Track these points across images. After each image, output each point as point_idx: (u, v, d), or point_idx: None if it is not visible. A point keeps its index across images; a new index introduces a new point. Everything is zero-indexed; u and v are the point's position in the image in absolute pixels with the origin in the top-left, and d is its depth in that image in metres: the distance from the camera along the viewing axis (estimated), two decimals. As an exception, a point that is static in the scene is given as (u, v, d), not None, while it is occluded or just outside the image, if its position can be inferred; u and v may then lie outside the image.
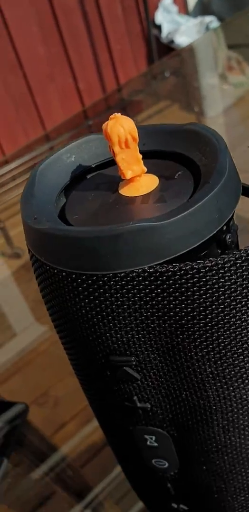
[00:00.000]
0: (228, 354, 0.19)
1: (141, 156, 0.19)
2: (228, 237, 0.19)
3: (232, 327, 0.18)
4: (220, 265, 0.16)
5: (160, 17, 1.59)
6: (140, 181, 0.19)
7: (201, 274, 0.17)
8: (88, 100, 1.57)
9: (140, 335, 0.18)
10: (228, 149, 0.19)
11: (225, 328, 0.18)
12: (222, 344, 0.18)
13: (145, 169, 0.19)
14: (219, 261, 0.16)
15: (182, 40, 1.52)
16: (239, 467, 0.23)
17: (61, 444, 0.40)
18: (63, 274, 0.17)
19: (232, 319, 0.18)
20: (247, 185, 0.21)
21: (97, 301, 0.17)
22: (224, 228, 0.18)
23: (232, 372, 0.19)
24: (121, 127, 0.18)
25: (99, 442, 0.38)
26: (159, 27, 1.60)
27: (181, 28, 1.56)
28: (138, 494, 0.29)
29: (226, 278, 0.17)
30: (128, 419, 0.22)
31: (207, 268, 0.16)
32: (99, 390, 0.21)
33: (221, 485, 0.24)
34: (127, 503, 0.34)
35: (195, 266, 0.16)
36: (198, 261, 0.17)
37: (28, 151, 0.92)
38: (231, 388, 0.20)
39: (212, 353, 0.18)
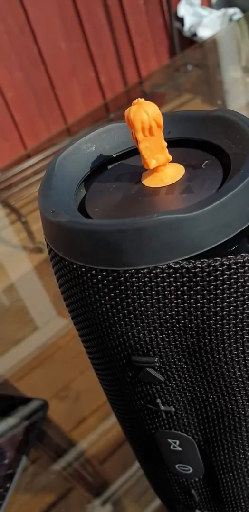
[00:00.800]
0: (260, 356, 0.17)
1: (165, 144, 0.18)
2: None
3: None
4: None
5: (182, 9, 1.57)
6: (164, 171, 0.18)
7: (232, 270, 0.15)
8: (110, 94, 1.56)
9: (164, 335, 0.17)
10: None
11: (257, 329, 0.17)
12: (253, 346, 0.17)
13: (170, 158, 0.18)
14: None
15: (205, 32, 1.50)
16: (269, 476, 0.22)
17: (82, 439, 0.39)
18: (83, 269, 0.16)
19: None
20: None
21: (118, 299, 0.16)
22: None
23: (263, 376, 0.18)
24: (145, 113, 0.17)
25: (120, 437, 0.38)
26: (181, 20, 1.57)
27: (203, 20, 1.53)
28: (160, 498, 0.28)
29: None
30: (150, 422, 0.21)
31: (239, 264, 0.15)
32: (121, 391, 0.20)
33: (249, 493, 0.23)
34: (146, 500, 0.33)
35: (225, 262, 0.15)
36: (228, 256, 0.15)
37: (50, 146, 0.92)
38: (262, 393, 0.18)
39: (242, 355, 0.17)
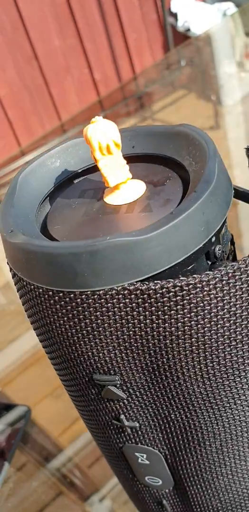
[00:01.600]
0: (218, 374, 0.17)
1: (125, 162, 0.18)
2: (217, 249, 0.17)
3: (221, 347, 0.17)
4: (204, 282, 0.15)
5: (176, 4, 1.56)
6: (125, 189, 0.18)
7: (184, 292, 0.15)
8: (104, 90, 1.55)
9: (123, 354, 0.17)
10: (218, 154, 0.18)
11: (213, 347, 0.17)
12: (210, 364, 0.17)
13: (130, 176, 0.18)
14: (203, 278, 0.15)
15: (199, 28, 1.49)
16: (235, 487, 0.22)
17: (76, 436, 0.40)
18: (40, 290, 0.16)
19: (220, 339, 0.16)
20: (240, 188, 0.20)
21: (76, 319, 0.16)
22: (213, 239, 0.17)
23: (223, 393, 0.18)
24: (102, 133, 0.17)
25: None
26: (175, 15, 1.57)
27: (197, 15, 1.52)
28: (137, 508, 0.29)
29: (212, 296, 0.15)
30: (117, 437, 0.21)
31: (191, 285, 0.15)
32: (87, 407, 0.20)
33: (217, 504, 0.23)
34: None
35: (177, 284, 0.15)
36: (181, 277, 0.15)
37: (44, 143, 0.92)
38: (223, 409, 0.19)
39: (200, 373, 0.17)
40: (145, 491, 0.24)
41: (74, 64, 1.50)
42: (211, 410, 0.18)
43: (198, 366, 0.17)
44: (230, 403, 0.18)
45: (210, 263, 0.18)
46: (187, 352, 0.16)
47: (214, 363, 0.17)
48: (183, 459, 0.21)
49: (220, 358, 0.17)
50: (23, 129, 1.48)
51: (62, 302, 0.16)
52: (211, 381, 0.17)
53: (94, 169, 0.21)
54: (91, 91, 1.56)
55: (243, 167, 0.21)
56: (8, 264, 0.18)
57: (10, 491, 0.37)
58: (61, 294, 0.16)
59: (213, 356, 0.17)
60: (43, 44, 1.43)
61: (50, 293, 0.16)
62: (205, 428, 0.19)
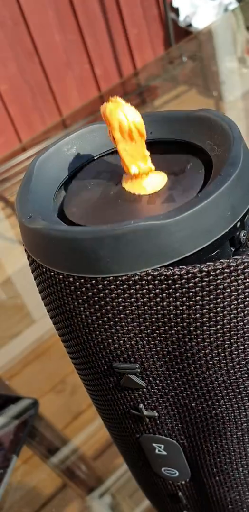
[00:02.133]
0: (242, 362, 0.17)
1: (148, 153, 0.17)
2: (242, 234, 0.17)
3: (247, 334, 0.16)
4: (232, 267, 0.15)
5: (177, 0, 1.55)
6: (146, 179, 0.18)
7: (211, 277, 0.15)
8: (105, 86, 1.55)
9: (145, 342, 0.17)
10: (242, 137, 0.17)
11: (238, 335, 0.16)
12: (235, 352, 0.17)
13: (153, 168, 0.18)
14: (232, 263, 0.15)
15: (200, 23, 1.48)
16: (255, 479, 0.21)
17: (79, 432, 0.39)
18: (60, 276, 0.16)
19: (247, 325, 0.16)
20: None
21: (97, 306, 0.16)
22: (238, 224, 0.16)
23: (247, 382, 0.18)
24: (124, 115, 0.17)
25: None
26: (176, 10, 1.56)
27: (198, 10, 1.52)
28: (149, 500, 0.28)
29: (240, 281, 0.15)
30: (134, 427, 0.21)
31: (218, 271, 0.15)
32: (104, 396, 0.20)
33: (236, 496, 0.22)
34: (140, 495, 0.33)
35: (203, 269, 0.15)
36: (208, 263, 0.15)
37: (45, 138, 0.91)
38: (246, 398, 0.18)
39: (224, 361, 0.17)
40: (160, 483, 0.24)
41: (75, 60, 1.50)
42: (234, 399, 0.18)
43: (223, 354, 0.17)
44: (253, 392, 0.18)
45: (233, 249, 0.17)
46: (212, 339, 0.16)
47: (239, 350, 0.17)
48: (202, 449, 0.20)
49: (245, 345, 0.16)
50: (24, 125, 1.47)
51: (83, 289, 0.16)
52: (235, 369, 0.17)
53: (111, 155, 0.20)
54: (92, 87, 1.56)
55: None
56: (25, 251, 0.18)
57: (18, 484, 0.36)
58: (82, 280, 0.16)
59: (238, 343, 0.16)
60: (44, 39, 1.42)
61: (71, 279, 0.16)
62: (227, 417, 0.19)
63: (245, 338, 0.16)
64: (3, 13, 1.35)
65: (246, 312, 0.16)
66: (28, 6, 1.36)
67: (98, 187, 0.18)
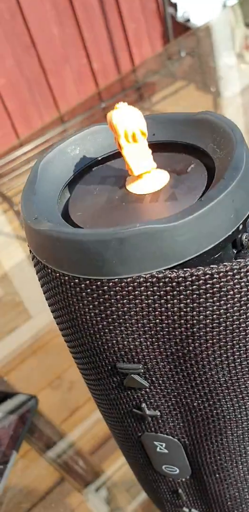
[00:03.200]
0: (244, 362, 0.17)
1: (150, 151, 0.18)
2: (245, 237, 0.17)
3: None
4: (235, 270, 0.15)
5: (176, -6, 1.55)
6: (149, 178, 0.18)
7: (215, 280, 0.15)
8: (103, 81, 1.54)
9: (148, 343, 0.17)
10: (244, 140, 0.18)
11: (241, 336, 0.16)
12: (238, 353, 0.17)
13: (155, 165, 0.18)
14: (235, 266, 0.15)
15: (199, 18, 1.48)
16: (254, 476, 0.22)
17: (75, 428, 0.40)
18: (66, 278, 0.16)
19: None
20: None
21: (102, 307, 0.16)
22: (240, 227, 0.17)
23: (248, 381, 0.18)
24: (129, 119, 0.17)
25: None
26: (174, 5, 1.55)
27: (197, 6, 1.51)
28: (149, 497, 0.29)
29: (243, 284, 0.15)
30: (136, 426, 0.21)
31: (221, 273, 0.15)
32: (107, 395, 0.20)
33: (235, 493, 0.23)
34: (137, 489, 0.33)
35: (207, 272, 0.15)
36: (212, 265, 0.15)
37: (43, 134, 0.91)
38: (247, 397, 0.18)
39: (226, 362, 0.17)
40: (160, 480, 0.24)
41: (72, 54, 1.49)
42: (235, 399, 0.18)
43: (225, 355, 0.17)
44: (254, 392, 0.18)
45: (235, 251, 0.17)
46: (215, 340, 0.16)
47: (241, 351, 0.17)
48: (202, 447, 0.21)
49: (247, 346, 0.17)
50: (22, 120, 1.46)
51: (89, 290, 0.16)
52: (237, 370, 0.17)
53: (114, 156, 0.21)
54: (90, 82, 1.55)
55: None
56: (30, 252, 0.18)
57: (17, 478, 0.37)
58: (87, 281, 0.16)
59: (241, 344, 0.17)
60: (41, 33, 1.41)
61: (76, 280, 0.16)
62: (228, 416, 0.19)
63: (247, 339, 0.17)
64: (0, 6, 1.34)
65: (248, 313, 0.16)
66: (26, -1, 1.36)
67: (103, 190, 0.19)
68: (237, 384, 0.18)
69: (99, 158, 0.20)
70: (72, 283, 0.16)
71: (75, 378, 0.43)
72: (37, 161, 0.19)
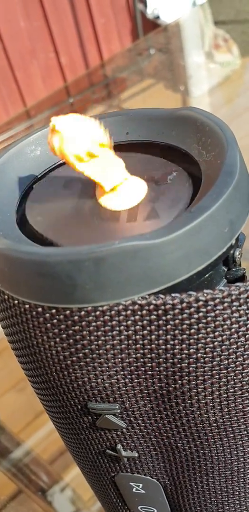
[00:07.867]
0: (238, 400, 0.15)
1: (118, 159, 0.15)
2: (238, 253, 0.15)
3: (246, 370, 0.14)
4: (234, 296, 0.13)
5: (145, -10, 1.53)
6: (123, 190, 0.15)
7: (209, 307, 0.13)
8: (70, 76, 1.51)
9: (127, 380, 0.14)
10: (236, 140, 0.15)
11: (237, 371, 0.14)
12: (232, 390, 0.14)
13: (128, 177, 0.15)
14: (233, 291, 0.13)
15: (168, 16, 1.46)
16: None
17: (39, 429, 0.38)
18: (26, 306, 0.13)
19: (247, 361, 0.14)
20: None
21: (71, 340, 0.13)
22: (233, 242, 0.14)
23: (242, 420, 0.15)
24: (75, 141, 0.14)
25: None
26: (144, 2, 1.53)
27: (167, 3, 1.50)
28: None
29: (242, 312, 0.13)
30: (110, 466, 0.18)
31: (217, 300, 0.13)
32: (76, 435, 0.17)
33: (220, 534, 0.20)
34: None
35: (200, 298, 0.12)
36: (205, 290, 0.13)
37: (8, 129, 0.88)
38: (239, 436, 0.16)
39: (218, 400, 0.15)
40: (136, 520, 0.21)
41: (40, 47, 1.45)
42: (226, 438, 0.16)
43: (217, 392, 0.14)
44: (248, 430, 0.16)
45: (226, 269, 0.15)
46: (206, 376, 0.14)
47: (236, 388, 0.14)
48: (185, 488, 0.18)
49: (243, 382, 0.14)
50: (-14, 114, 1.41)
51: (55, 320, 0.13)
52: (230, 408, 0.15)
53: None
54: (58, 76, 1.51)
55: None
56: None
57: None
58: (53, 310, 0.13)
59: (236, 380, 0.14)
60: (8, 25, 1.36)
61: (40, 309, 0.13)
62: (216, 457, 0.17)
63: (243, 374, 0.14)
64: None
65: (247, 346, 0.13)
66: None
67: (69, 198, 0.16)
68: (228, 423, 0.15)
69: (63, 160, 0.18)
70: (34, 313, 0.13)
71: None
72: None
